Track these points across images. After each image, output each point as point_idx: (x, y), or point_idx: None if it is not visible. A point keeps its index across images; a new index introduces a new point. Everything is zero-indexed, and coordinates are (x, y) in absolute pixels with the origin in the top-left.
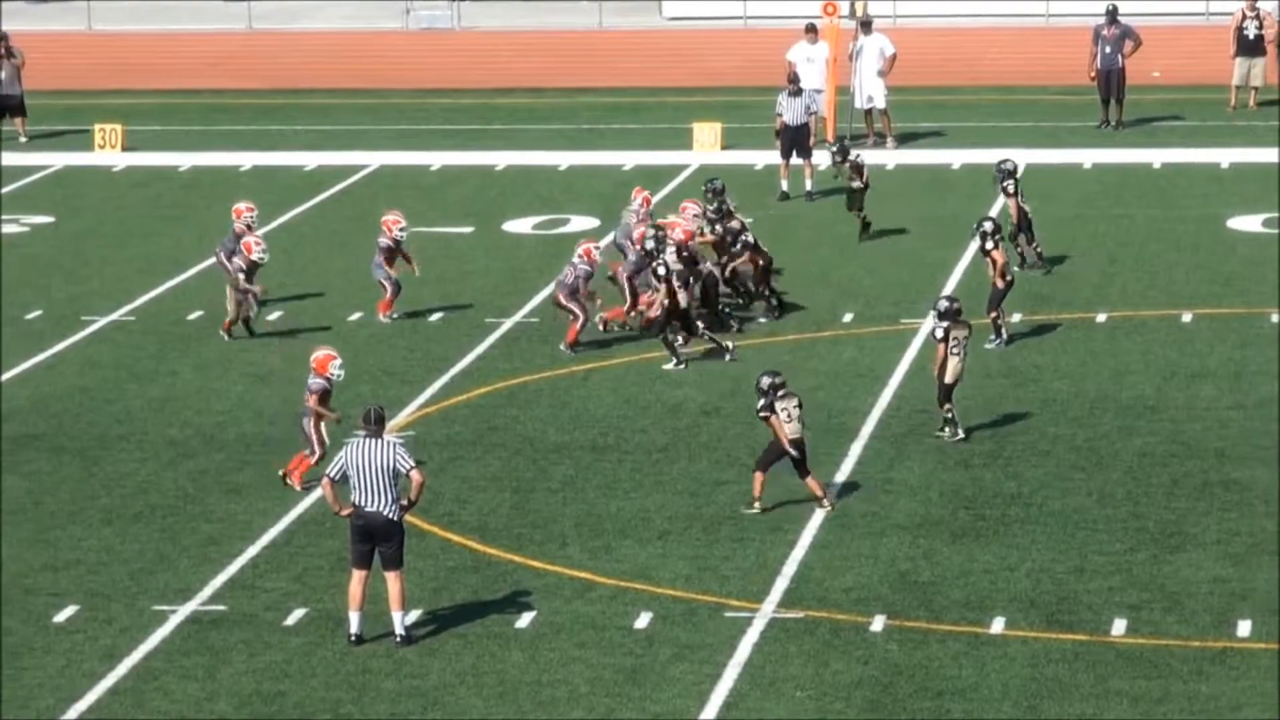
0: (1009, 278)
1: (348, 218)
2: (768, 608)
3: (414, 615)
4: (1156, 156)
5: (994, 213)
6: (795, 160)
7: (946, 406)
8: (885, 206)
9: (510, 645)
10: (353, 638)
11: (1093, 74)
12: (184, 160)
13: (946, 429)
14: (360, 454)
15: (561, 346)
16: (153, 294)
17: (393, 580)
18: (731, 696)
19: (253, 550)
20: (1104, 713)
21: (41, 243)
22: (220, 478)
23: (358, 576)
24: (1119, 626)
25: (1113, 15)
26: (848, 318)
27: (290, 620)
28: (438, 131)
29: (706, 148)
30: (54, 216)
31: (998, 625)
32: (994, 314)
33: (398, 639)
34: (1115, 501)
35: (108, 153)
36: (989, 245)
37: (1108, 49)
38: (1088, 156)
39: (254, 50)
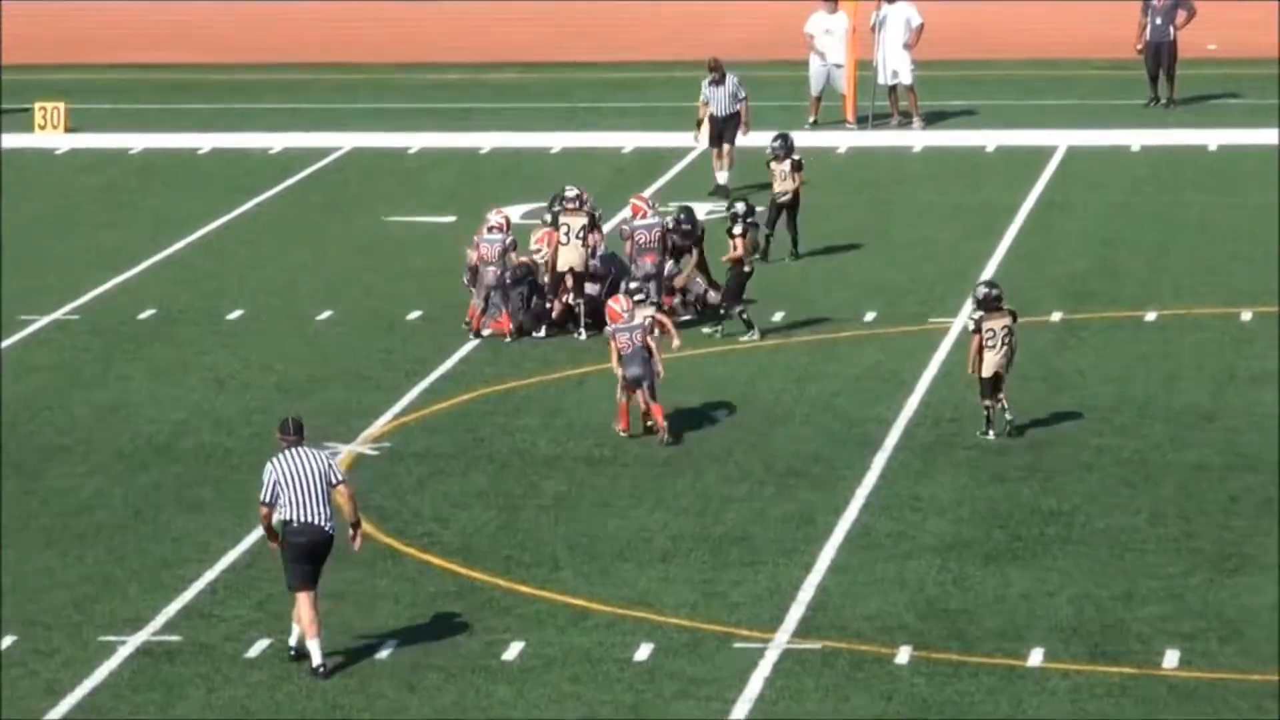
0: (748, 268)
1: (318, 205)
2: (781, 638)
3: (388, 649)
4: (1212, 138)
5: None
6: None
7: (986, 403)
8: (912, 193)
9: (496, 679)
10: (321, 669)
11: (1140, 46)
12: (136, 142)
13: (989, 429)
14: (290, 465)
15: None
16: (100, 290)
17: (313, 602)
18: None
19: (210, 574)
20: None
21: None
22: (175, 493)
23: (304, 600)
24: (1171, 658)
25: None
26: (870, 316)
27: (252, 652)
28: (417, 110)
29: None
30: None
31: (1036, 657)
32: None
33: (319, 668)
34: (1166, 520)
35: (50, 134)
36: (736, 229)
37: (1158, 20)
38: (1135, 137)
39: (216, 21)
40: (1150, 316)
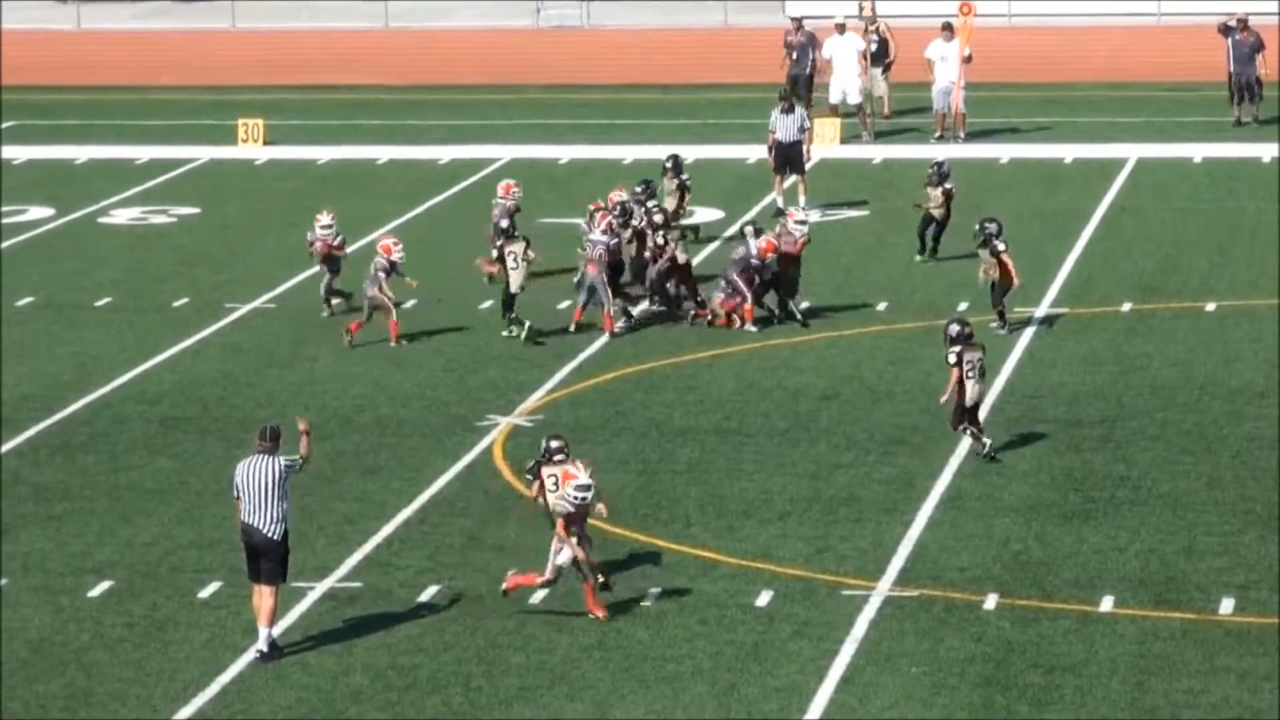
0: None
1: (481, 208)
2: (884, 586)
3: (540, 594)
4: (1265, 151)
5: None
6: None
7: (970, 428)
8: (999, 199)
9: (636, 621)
10: (259, 654)
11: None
12: (323, 153)
13: (980, 445)
14: (247, 472)
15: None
16: (293, 282)
17: (267, 595)
18: (849, 672)
19: (388, 529)
20: (1211, 689)
21: (187, 233)
22: (357, 459)
23: (255, 590)
24: (1226, 605)
25: (1244, 22)
26: (962, 306)
27: (423, 596)
28: (567, 125)
29: (826, 142)
30: (199, 208)
31: (1107, 604)
32: (1000, 308)
33: (259, 653)
34: (1223, 484)
35: (250, 146)
36: (1001, 247)
37: (1243, 51)
38: (1198, 151)
39: (391, 47)
40: (1210, 307)
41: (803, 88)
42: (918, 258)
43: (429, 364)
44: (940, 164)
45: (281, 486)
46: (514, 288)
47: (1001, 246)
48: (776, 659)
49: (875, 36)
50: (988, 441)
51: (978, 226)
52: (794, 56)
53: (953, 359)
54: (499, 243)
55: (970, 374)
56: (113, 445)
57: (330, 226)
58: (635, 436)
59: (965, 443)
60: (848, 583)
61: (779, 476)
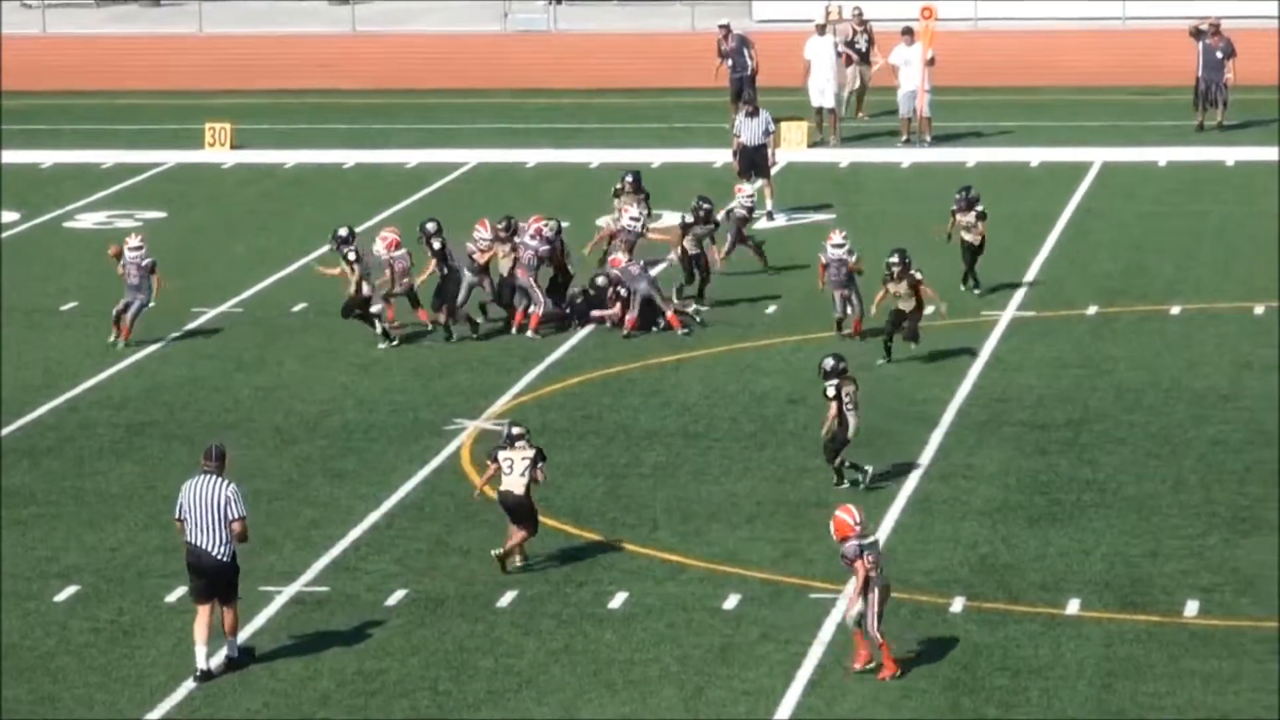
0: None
1: (448, 213)
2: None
3: (508, 598)
4: (1229, 154)
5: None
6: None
7: (840, 459)
8: None
9: (603, 625)
10: (198, 673)
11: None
12: (290, 158)
13: (859, 474)
14: (194, 493)
15: (530, 334)
16: (260, 287)
17: (226, 613)
18: (816, 675)
19: (355, 534)
20: (1176, 691)
21: (153, 237)
22: (323, 464)
23: (199, 611)
24: (1192, 608)
25: (1216, 27)
26: (929, 310)
27: (391, 601)
28: (534, 130)
29: (794, 146)
30: (166, 212)
31: (1073, 606)
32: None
33: (226, 659)
34: (1188, 487)
35: (217, 150)
36: (919, 276)
37: (1215, 55)
38: (1163, 154)
39: (358, 52)
40: (1175, 310)
41: (748, 88)
42: (962, 287)
43: (396, 368)
44: (968, 188)
45: (226, 511)
46: (366, 291)
47: (919, 275)
48: (744, 662)
49: (865, 35)
50: (869, 469)
51: (895, 258)
52: (730, 62)
53: (831, 392)
54: (342, 249)
55: (849, 406)
56: (79, 450)
57: (140, 248)
58: (602, 440)
59: (932, 446)
60: (815, 586)
61: (746, 480)
